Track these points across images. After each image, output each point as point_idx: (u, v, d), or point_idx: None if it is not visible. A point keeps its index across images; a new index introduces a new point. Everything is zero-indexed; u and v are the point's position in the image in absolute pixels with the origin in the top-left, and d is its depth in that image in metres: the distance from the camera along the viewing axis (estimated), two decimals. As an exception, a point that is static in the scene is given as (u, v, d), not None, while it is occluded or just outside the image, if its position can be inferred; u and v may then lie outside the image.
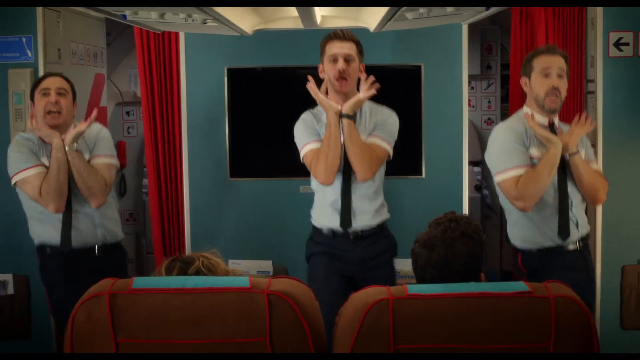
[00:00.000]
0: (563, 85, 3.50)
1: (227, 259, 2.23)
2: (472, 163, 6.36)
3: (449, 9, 3.33)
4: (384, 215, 3.69)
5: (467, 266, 2.24)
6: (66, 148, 3.61)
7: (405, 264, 4.35)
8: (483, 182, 6.71)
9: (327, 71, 3.57)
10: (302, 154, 3.60)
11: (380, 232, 3.69)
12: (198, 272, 2.10)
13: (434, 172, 4.65)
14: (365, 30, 4.17)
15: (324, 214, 3.63)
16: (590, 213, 3.89)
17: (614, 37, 4.23)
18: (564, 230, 3.48)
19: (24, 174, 3.64)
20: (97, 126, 3.86)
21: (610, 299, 4.31)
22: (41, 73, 4.10)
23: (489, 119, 6.81)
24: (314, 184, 3.67)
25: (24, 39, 4.18)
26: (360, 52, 3.60)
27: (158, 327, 1.94)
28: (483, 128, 6.80)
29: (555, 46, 3.65)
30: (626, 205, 4.28)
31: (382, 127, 3.59)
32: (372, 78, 3.48)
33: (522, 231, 3.55)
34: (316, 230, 3.70)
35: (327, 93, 3.60)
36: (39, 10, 4.15)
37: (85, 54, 4.76)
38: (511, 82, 5.55)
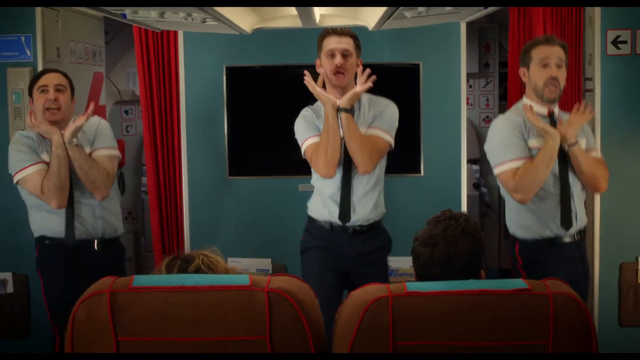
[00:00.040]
0: (562, 75, 3.51)
1: (226, 257, 2.24)
2: (470, 161, 6.37)
3: (448, 8, 3.34)
4: (382, 209, 3.70)
5: (469, 263, 2.25)
6: (66, 144, 3.62)
7: (404, 262, 4.38)
8: (481, 180, 6.72)
9: (325, 66, 3.58)
10: (303, 149, 3.61)
11: (377, 228, 3.70)
12: (198, 270, 2.10)
13: (432, 170, 4.65)
14: (363, 29, 4.17)
15: (324, 206, 3.63)
16: (588, 211, 3.90)
17: (611, 35, 4.24)
18: (566, 220, 3.49)
19: (25, 172, 3.65)
20: (96, 119, 3.87)
21: (608, 296, 4.32)
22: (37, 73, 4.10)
23: (487, 117, 6.81)
24: (315, 177, 3.67)
25: (22, 38, 4.18)
26: (357, 46, 3.61)
27: (158, 325, 1.95)
28: (481, 126, 6.81)
29: (554, 36, 3.65)
30: (624, 203, 4.29)
31: (381, 118, 3.60)
32: (368, 71, 3.49)
33: (522, 219, 3.55)
34: (313, 222, 3.70)
35: (324, 88, 3.60)
36: (38, 9, 4.15)
37: (84, 52, 4.76)
38: (509, 80, 5.56)
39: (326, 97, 3.52)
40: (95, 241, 3.76)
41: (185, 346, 1.95)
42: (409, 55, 4.64)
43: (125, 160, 5.81)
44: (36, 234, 3.80)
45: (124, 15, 3.23)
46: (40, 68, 4.13)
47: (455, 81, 4.61)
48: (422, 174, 4.67)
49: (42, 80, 3.69)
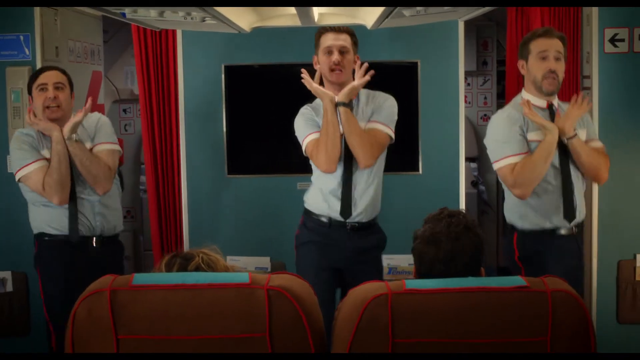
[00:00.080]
0: (560, 68, 3.52)
1: (225, 256, 2.24)
2: (468, 159, 6.38)
3: (446, 7, 3.35)
4: (379, 207, 3.70)
5: (472, 259, 2.27)
6: (65, 139, 3.63)
7: (402, 260, 4.39)
8: (479, 178, 6.73)
9: (322, 63, 3.59)
10: (303, 146, 3.60)
11: (374, 226, 3.72)
12: (198, 269, 2.11)
13: (430, 168, 4.66)
14: (362, 27, 4.18)
15: (324, 200, 3.63)
16: (587, 209, 3.91)
17: (609, 33, 4.24)
18: (569, 212, 3.51)
19: (27, 170, 3.66)
20: (96, 115, 3.89)
21: (606, 293, 4.32)
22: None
23: (485, 114, 6.83)
24: (315, 173, 3.67)
25: (21, 37, 4.17)
26: (354, 43, 3.62)
27: (159, 323, 1.95)
28: (479, 124, 6.82)
29: (552, 29, 3.64)
30: (622, 201, 4.30)
31: (380, 112, 3.61)
32: (365, 65, 3.49)
33: (522, 210, 3.55)
34: (310, 216, 3.69)
35: (321, 84, 3.60)
36: (37, 8, 4.15)
37: (83, 51, 4.77)
38: (507, 78, 5.56)
39: (324, 93, 3.52)
40: (94, 238, 3.76)
41: (185, 344, 1.95)
42: (407, 54, 4.64)
43: (124, 158, 5.83)
44: (35, 231, 3.80)
45: (124, 15, 3.24)
46: (39, 67, 4.12)
47: (453, 79, 4.62)
48: (420, 172, 4.67)
49: (41, 79, 3.70)
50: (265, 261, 4.57)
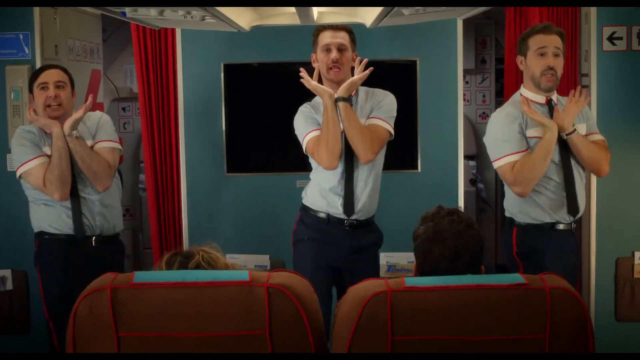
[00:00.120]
0: (559, 64, 3.52)
1: (224, 254, 2.25)
2: (467, 157, 6.40)
3: (445, 6, 3.36)
4: (377, 203, 3.71)
5: (476, 256, 2.29)
6: (66, 136, 3.64)
7: (401, 258, 4.39)
8: (478, 176, 6.74)
9: (321, 61, 3.59)
10: (304, 144, 3.60)
11: (372, 224, 3.72)
12: (198, 266, 2.12)
13: (429, 167, 4.67)
14: (361, 26, 4.19)
15: (323, 197, 3.63)
16: (585, 206, 3.91)
17: (607, 31, 4.25)
18: (573, 207, 3.52)
19: (28, 166, 3.67)
20: (97, 113, 3.92)
21: (604, 291, 4.33)
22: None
23: (484, 113, 6.84)
24: (314, 170, 3.67)
25: (21, 36, 4.18)
26: (352, 41, 3.62)
27: (159, 321, 1.96)
28: (478, 122, 6.83)
29: (551, 24, 3.63)
30: (620, 199, 4.31)
31: (379, 108, 3.61)
32: (365, 61, 3.50)
33: (523, 205, 3.55)
34: (308, 212, 3.69)
35: (319, 82, 3.60)
36: (36, 7, 4.16)
37: (82, 50, 4.77)
38: (506, 76, 5.57)
39: (323, 90, 3.52)
40: (94, 238, 3.77)
41: (186, 341, 1.96)
42: (406, 52, 4.65)
43: (123, 157, 5.84)
44: (36, 229, 3.81)
45: (124, 14, 3.24)
46: (38, 66, 4.13)
47: (452, 77, 4.63)
48: (419, 170, 4.68)
49: (42, 77, 3.71)
50: (264, 259, 4.57)
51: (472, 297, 1.97)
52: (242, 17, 3.96)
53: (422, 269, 2.31)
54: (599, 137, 3.64)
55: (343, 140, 3.52)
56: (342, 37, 3.58)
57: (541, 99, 3.56)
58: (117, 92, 6.47)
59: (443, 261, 2.26)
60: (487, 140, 3.61)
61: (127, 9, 3.12)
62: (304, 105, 3.68)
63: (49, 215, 3.74)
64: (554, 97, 3.59)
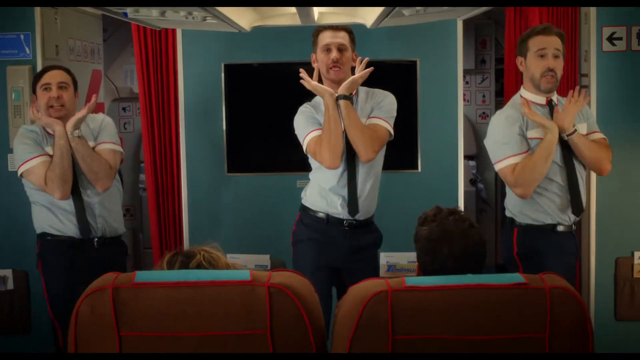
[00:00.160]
0: (559, 66, 3.52)
1: (225, 254, 2.26)
2: (467, 157, 6.40)
3: (445, 6, 3.36)
4: (376, 203, 3.71)
5: (482, 254, 2.32)
6: (68, 135, 3.65)
7: (401, 258, 4.40)
8: (478, 176, 6.75)
9: (321, 61, 3.59)
10: (305, 144, 3.58)
11: (372, 224, 3.72)
12: (199, 266, 2.13)
13: (429, 167, 4.67)
14: (361, 26, 4.19)
15: (322, 198, 3.63)
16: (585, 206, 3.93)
17: (607, 31, 4.26)
18: (577, 206, 3.53)
19: (29, 164, 3.67)
20: (100, 115, 3.93)
21: (604, 290, 4.34)
22: (39, 70, 4.11)
23: (484, 113, 6.84)
24: (314, 170, 3.68)
25: (22, 36, 4.18)
26: (352, 40, 3.62)
27: (161, 321, 1.96)
28: (478, 122, 6.83)
29: (551, 26, 3.63)
30: (620, 199, 4.31)
31: (380, 108, 3.61)
32: (367, 60, 3.50)
33: (525, 206, 3.55)
34: (307, 213, 3.69)
35: (319, 82, 3.60)
36: (37, 7, 4.16)
37: (83, 50, 4.78)
38: (506, 76, 5.58)
39: (323, 89, 3.52)
40: (96, 239, 3.78)
41: (187, 341, 1.96)
42: (406, 52, 4.65)
43: (124, 158, 5.84)
44: (38, 231, 3.81)
45: (125, 14, 3.25)
46: (39, 66, 4.14)
47: (452, 78, 4.63)
48: (419, 170, 4.69)
49: (45, 78, 3.72)
50: (264, 259, 4.57)
51: (472, 296, 1.98)
52: (243, 18, 3.96)
53: (428, 269, 2.32)
54: (599, 135, 3.65)
55: (344, 140, 3.52)
56: (342, 37, 3.58)
57: (541, 100, 3.56)
58: (118, 92, 6.47)
59: (451, 260, 2.28)
60: (488, 142, 3.62)
61: (128, 10, 3.13)
62: (304, 105, 3.68)
63: (50, 218, 3.74)
64: (554, 98, 3.60)
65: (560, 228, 3.54)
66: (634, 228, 4.32)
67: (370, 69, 3.49)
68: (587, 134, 3.58)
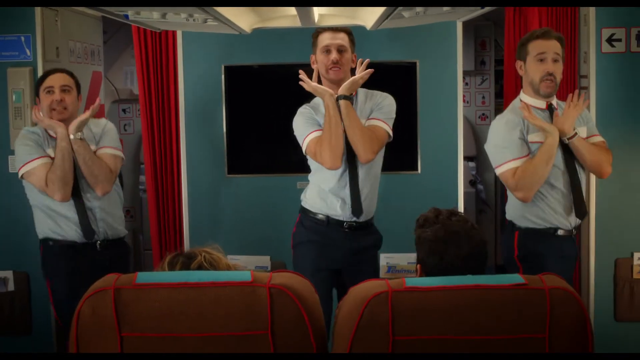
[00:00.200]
0: (558, 70, 3.53)
1: (225, 255, 2.26)
2: (466, 158, 6.41)
3: (445, 8, 3.37)
4: (376, 204, 3.72)
5: (485, 254, 2.33)
6: (70, 137, 3.66)
7: (401, 259, 4.41)
8: (477, 177, 6.75)
9: (320, 62, 3.60)
10: (304, 145, 3.58)
11: (372, 226, 3.73)
12: (200, 267, 2.13)
13: (429, 168, 4.68)
14: (361, 28, 4.20)
15: (322, 199, 3.63)
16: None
17: (606, 33, 4.26)
18: (580, 209, 3.54)
19: (30, 166, 3.68)
20: (103, 120, 3.94)
21: (603, 291, 4.35)
22: (40, 71, 4.11)
23: (484, 114, 6.84)
24: (314, 172, 3.68)
25: (22, 38, 4.19)
26: (352, 41, 3.63)
27: (162, 321, 1.97)
28: (477, 123, 6.84)
29: (551, 30, 3.64)
30: (619, 200, 4.32)
31: (379, 109, 3.61)
32: (367, 61, 3.51)
33: (526, 209, 3.55)
34: (307, 215, 3.69)
35: (318, 83, 3.60)
36: (38, 9, 4.17)
37: (83, 52, 4.78)
38: (505, 78, 5.58)
39: (323, 90, 3.53)
40: (98, 242, 3.78)
41: (188, 341, 1.97)
42: (406, 54, 4.66)
43: (124, 162, 5.85)
44: (40, 236, 3.82)
45: (126, 16, 3.25)
46: (40, 67, 4.15)
47: (451, 79, 4.64)
48: (419, 171, 4.69)
49: (48, 82, 3.73)
50: (265, 260, 4.58)
51: (472, 297, 1.98)
52: (243, 20, 3.97)
53: (434, 270, 2.32)
54: (599, 139, 3.65)
55: (344, 141, 3.52)
56: (342, 39, 3.59)
57: (541, 104, 3.57)
58: (118, 94, 6.47)
59: (458, 261, 2.29)
60: (488, 147, 3.62)
61: (129, 12, 3.13)
62: (304, 106, 3.68)
63: (49, 223, 3.75)
64: (554, 101, 3.60)
65: (561, 232, 3.55)
66: (634, 229, 4.32)
67: (371, 70, 3.49)
68: (586, 138, 3.59)
